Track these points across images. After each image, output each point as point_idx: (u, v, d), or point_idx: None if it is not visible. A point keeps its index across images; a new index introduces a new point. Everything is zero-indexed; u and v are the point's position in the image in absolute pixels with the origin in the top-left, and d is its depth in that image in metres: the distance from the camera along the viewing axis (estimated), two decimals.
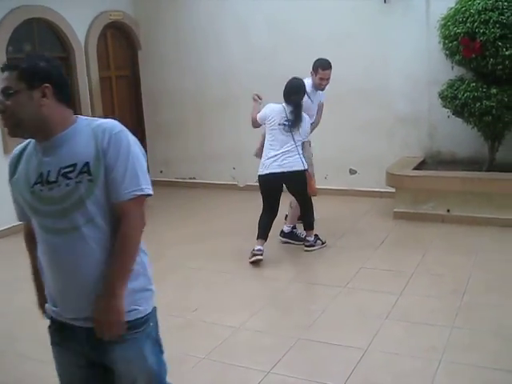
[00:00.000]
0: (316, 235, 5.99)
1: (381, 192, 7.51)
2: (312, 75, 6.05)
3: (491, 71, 6.40)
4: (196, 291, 5.09)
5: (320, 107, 6.36)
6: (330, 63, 6.02)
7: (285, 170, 5.58)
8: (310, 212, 5.90)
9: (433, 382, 3.44)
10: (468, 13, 6.38)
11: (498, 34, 6.19)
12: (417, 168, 7.13)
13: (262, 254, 5.58)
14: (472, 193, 6.36)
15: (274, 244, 6.04)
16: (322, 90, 6.16)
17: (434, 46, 6.98)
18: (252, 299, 4.85)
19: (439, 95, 6.81)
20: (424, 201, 6.65)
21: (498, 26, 6.20)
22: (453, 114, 6.80)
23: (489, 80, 6.49)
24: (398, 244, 6.08)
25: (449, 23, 6.59)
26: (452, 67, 6.87)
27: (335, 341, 4.02)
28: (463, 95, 6.47)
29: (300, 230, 6.14)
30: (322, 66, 5.97)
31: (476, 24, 6.28)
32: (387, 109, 7.65)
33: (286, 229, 6.20)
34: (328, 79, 6.04)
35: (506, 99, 6.24)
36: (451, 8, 6.67)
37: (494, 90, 6.33)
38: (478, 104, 6.37)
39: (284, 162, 5.58)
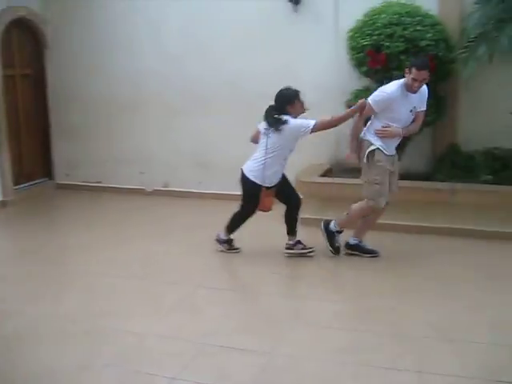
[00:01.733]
0: (229, 240, 5.94)
1: None
2: (406, 74, 5.27)
3: None
4: (100, 297, 4.97)
5: (419, 116, 5.49)
6: (427, 63, 5.28)
7: (242, 168, 5.67)
8: (238, 221, 5.87)
9: None
10: (374, 26, 6.65)
11: (401, 48, 6.49)
12: (323, 175, 7.29)
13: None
14: None
15: (197, 250, 6.02)
16: (414, 92, 5.28)
17: (342, 56, 7.18)
18: (158, 305, 4.79)
19: (346, 104, 7.00)
20: (329, 207, 6.79)
21: (401, 40, 6.52)
22: None
23: None
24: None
25: (356, 35, 6.83)
26: (359, 78, 7.10)
27: (241, 345, 4.03)
28: None
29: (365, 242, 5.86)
30: (416, 65, 5.16)
31: (382, 37, 6.56)
32: None
33: (352, 241, 5.84)
34: (422, 81, 5.22)
35: None
36: (359, 20, 6.91)
37: None
38: None
39: (247, 162, 5.67)
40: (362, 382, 3.57)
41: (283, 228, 5.78)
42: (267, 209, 5.66)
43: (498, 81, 7.09)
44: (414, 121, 5.48)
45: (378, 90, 5.44)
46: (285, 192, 5.74)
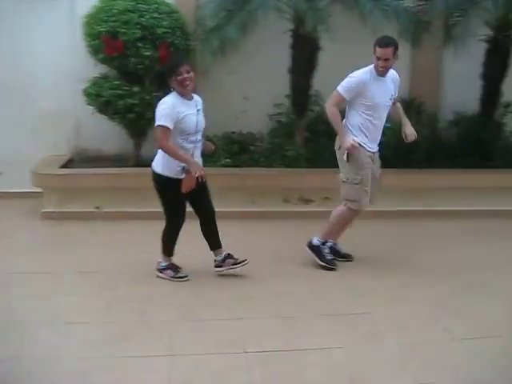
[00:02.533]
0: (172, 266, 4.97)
1: (29, 193, 7.11)
2: (373, 57, 4.84)
3: (133, 70, 6.62)
4: None
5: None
6: (389, 40, 4.81)
7: None
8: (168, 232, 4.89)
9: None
10: (110, 12, 6.49)
11: (138, 35, 6.44)
12: (64, 166, 6.96)
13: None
14: (120, 188, 6.47)
15: None
16: (383, 74, 4.84)
17: (79, 43, 6.90)
18: None
19: (84, 92, 6.77)
20: (73, 199, 6.53)
21: (138, 27, 6.46)
22: (98, 112, 6.83)
23: (132, 78, 6.69)
24: (47, 245, 5.85)
25: (92, 21, 6.61)
26: (96, 65, 6.90)
27: None
28: (107, 93, 6.56)
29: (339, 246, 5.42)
30: (378, 43, 4.77)
31: (118, 24, 6.43)
32: (31, 105, 7.31)
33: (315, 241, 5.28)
34: (387, 60, 4.75)
35: (148, 97, 6.50)
36: (95, 6, 6.70)
37: (136, 89, 6.57)
38: (121, 102, 6.53)
39: None
40: (116, 374, 3.48)
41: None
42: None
43: (231, 68, 7.45)
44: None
45: (346, 78, 4.90)
46: (202, 200, 4.87)
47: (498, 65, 7.22)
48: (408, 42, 6.74)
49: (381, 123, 5.00)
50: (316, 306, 4.45)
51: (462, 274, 5.13)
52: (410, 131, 5.10)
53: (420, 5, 7.05)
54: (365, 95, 4.82)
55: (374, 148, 5.06)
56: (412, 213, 6.75)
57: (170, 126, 4.39)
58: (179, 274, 4.90)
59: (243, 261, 4.91)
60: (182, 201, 4.73)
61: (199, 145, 4.73)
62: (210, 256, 4.96)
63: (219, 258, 4.94)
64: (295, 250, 5.44)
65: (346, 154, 4.87)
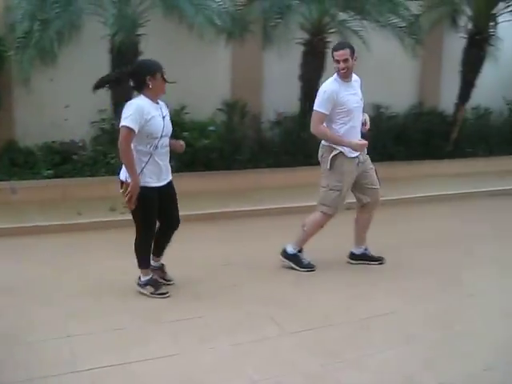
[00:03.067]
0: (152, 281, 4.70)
1: None
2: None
3: None
4: None
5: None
6: (344, 43, 5.20)
7: None
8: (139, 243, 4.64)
9: None
10: None
11: None
12: None
13: None
14: None
15: None
16: (346, 78, 4.99)
17: None
18: None
19: None
20: None
21: None
22: None
23: None
24: None
25: None
26: None
27: None
28: None
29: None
30: (334, 48, 5.01)
31: None
32: None
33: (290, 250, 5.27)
34: (346, 61, 4.91)
35: None
36: None
37: None
38: None
39: None
40: None
41: None
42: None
43: (51, 75, 7.09)
44: None
45: (318, 96, 5.01)
46: (167, 208, 4.65)
47: (314, 66, 7.56)
48: (229, 43, 6.85)
49: (358, 125, 5.14)
50: (149, 314, 4.34)
51: (289, 271, 5.30)
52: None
53: (240, 8, 7.19)
54: (339, 103, 4.96)
55: (356, 152, 5.06)
56: (242, 213, 6.83)
57: (135, 128, 4.20)
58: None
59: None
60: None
61: (167, 151, 4.54)
62: None
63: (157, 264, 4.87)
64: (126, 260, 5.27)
65: (329, 163, 5.03)
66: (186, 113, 6.96)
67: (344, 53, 4.92)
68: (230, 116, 7.47)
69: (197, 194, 6.55)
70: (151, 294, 4.63)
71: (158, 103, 4.46)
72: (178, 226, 4.75)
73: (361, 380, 3.53)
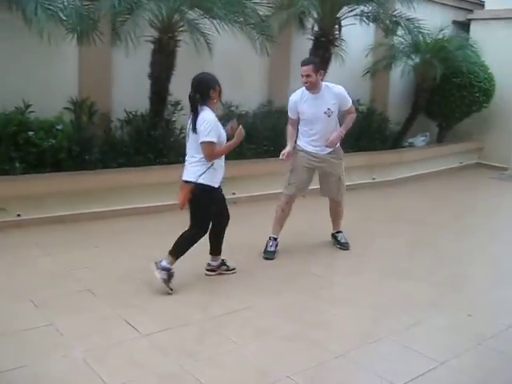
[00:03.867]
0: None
1: None
2: None
3: None
4: None
5: (348, 115, 5.96)
6: (309, 59, 5.96)
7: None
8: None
9: None
10: None
11: None
12: None
13: None
14: None
15: None
16: (310, 90, 5.71)
17: None
18: None
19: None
20: None
21: None
22: None
23: None
24: None
25: None
26: None
27: None
28: None
29: None
30: (301, 63, 5.70)
31: None
32: None
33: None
34: (308, 76, 5.60)
35: None
36: None
37: None
38: None
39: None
40: None
41: None
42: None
43: None
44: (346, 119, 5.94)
45: None
46: (223, 207, 5.18)
47: (164, 65, 7.48)
48: (76, 40, 6.60)
49: (320, 133, 5.80)
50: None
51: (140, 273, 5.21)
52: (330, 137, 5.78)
53: (87, 4, 6.93)
54: (300, 111, 5.81)
55: (318, 150, 5.86)
56: (93, 215, 6.64)
57: (216, 140, 4.71)
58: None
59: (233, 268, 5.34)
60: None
61: None
62: None
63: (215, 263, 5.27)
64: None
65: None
66: (31, 111, 6.61)
67: (307, 69, 5.59)
68: (78, 115, 7.20)
69: (44, 196, 6.25)
70: (164, 280, 4.74)
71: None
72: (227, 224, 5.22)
73: (218, 377, 3.58)
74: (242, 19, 7.42)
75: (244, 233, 6.33)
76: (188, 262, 4.99)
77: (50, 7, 6.18)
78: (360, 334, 4.24)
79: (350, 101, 5.89)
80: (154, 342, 3.94)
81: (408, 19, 9.39)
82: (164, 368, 3.63)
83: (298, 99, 5.80)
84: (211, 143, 4.66)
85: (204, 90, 4.72)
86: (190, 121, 4.81)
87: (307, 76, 5.59)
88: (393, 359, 4.00)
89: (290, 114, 5.93)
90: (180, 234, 4.89)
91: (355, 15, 9.08)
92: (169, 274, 4.74)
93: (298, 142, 5.94)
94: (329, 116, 5.75)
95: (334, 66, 9.00)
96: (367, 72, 10.44)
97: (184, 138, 7.72)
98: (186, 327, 4.20)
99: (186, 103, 7.73)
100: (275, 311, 4.56)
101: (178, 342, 3.96)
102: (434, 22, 10.57)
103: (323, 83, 5.78)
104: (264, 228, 6.02)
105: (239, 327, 4.25)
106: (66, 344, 3.86)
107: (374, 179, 9.62)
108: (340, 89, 5.84)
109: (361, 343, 4.10)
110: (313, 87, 5.67)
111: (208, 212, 4.92)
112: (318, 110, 5.74)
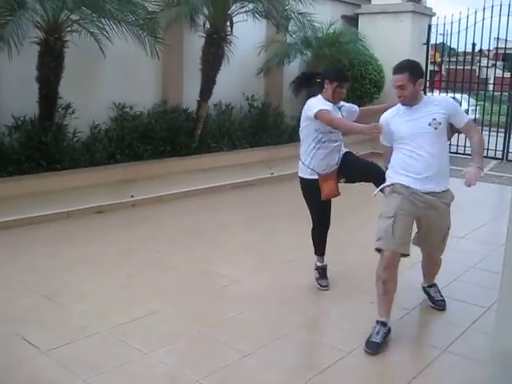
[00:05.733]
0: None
1: None
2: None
3: None
4: None
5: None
6: (401, 65, 4.22)
7: None
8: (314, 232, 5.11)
9: None
10: None
11: None
12: None
13: None
14: None
15: None
16: (404, 104, 4.27)
17: None
18: None
19: None
20: None
21: None
22: None
23: None
24: None
25: None
26: None
27: None
28: None
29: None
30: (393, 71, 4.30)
31: None
32: None
33: None
34: (400, 88, 4.18)
35: None
36: None
37: None
38: None
39: None
40: None
41: None
42: (331, 194, 4.86)
43: None
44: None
45: None
46: (358, 169, 4.94)
47: (52, 67, 7.20)
48: None
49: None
50: None
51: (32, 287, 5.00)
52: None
53: None
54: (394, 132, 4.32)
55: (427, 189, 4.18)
56: None
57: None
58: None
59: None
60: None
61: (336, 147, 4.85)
62: None
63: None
64: None
65: None
66: None
67: (398, 78, 4.11)
68: None
69: None
70: (316, 279, 5.08)
71: (333, 103, 4.78)
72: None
73: None
74: (131, 19, 7.26)
75: (144, 235, 6.23)
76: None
77: None
78: (267, 331, 4.26)
79: (467, 116, 4.33)
80: (56, 358, 3.77)
81: (300, 13, 9.53)
82: None
83: (390, 118, 4.29)
84: (323, 110, 4.61)
85: (321, 78, 4.86)
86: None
87: (401, 87, 4.11)
88: (301, 353, 4.04)
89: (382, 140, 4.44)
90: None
91: (246, 11, 9.11)
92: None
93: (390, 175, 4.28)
94: (435, 128, 4.08)
95: (226, 64, 8.99)
96: (261, 71, 10.54)
97: (77, 142, 7.57)
98: (87, 339, 4.05)
99: (76, 106, 7.61)
100: (180, 315, 4.49)
101: (81, 356, 3.82)
102: (324, 16, 10.84)
103: (424, 95, 4.34)
104: (164, 228, 5.93)
105: (143, 334, 4.15)
106: None
107: (272, 174, 9.72)
108: (446, 98, 4.75)
109: (268, 340, 4.11)
110: (410, 101, 4.16)
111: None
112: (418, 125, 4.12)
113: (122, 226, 6.81)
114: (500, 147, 12.06)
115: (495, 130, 12.07)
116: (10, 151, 6.94)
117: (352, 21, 12.84)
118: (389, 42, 11.89)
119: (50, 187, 6.80)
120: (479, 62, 21.63)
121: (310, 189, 4.85)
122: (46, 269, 5.32)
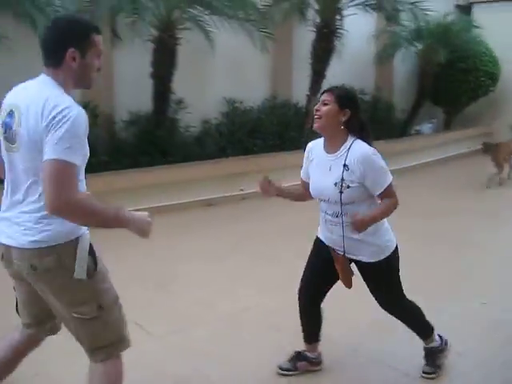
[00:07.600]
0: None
1: None
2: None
3: None
4: None
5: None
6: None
7: None
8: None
9: None
10: None
11: None
12: None
13: None
14: None
15: None
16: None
17: None
18: None
19: None
20: None
21: None
22: None
23: None
24: None
25: None
26: None
27: None
28: None
29: None
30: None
31: None
32: None
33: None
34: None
35: None
36: None
37: None
38: None
39: None
40: None
41: None
42: (341, 280, 3.35)
43: None
44: None
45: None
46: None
47: (165, 64, 7.43)
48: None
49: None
50: None
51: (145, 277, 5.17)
52: None
53: (86, 5, 6.90)
54: None
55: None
56: None
57: None
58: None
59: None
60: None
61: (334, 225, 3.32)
62: None
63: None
64: None
65: None
66: None
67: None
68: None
69: None
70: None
71: None
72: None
73: (232, 377, 3.52)
74: (242, 15, 7.37)
75: (253, 229, 6.26)
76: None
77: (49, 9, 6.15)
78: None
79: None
80: (166, 344, 3.86)
81: (412, 3, 9.29)
82: (177, 370, 3.56)
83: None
84: None
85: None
86: None
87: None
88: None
89: None
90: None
91: (357, 4, 8.98)
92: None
93: None
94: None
95: (335, 58, 8.91)
96: (373, 63, 10.37)
97: (188, 136, 7.77)
98: (197, 327, 4.12)
99: (188, 102, 7.81)
100: (280, 306, 4.47)
101: (190, 343, 3.88)
102: (437, 6, 10.47)
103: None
104: (273, 222, 5.88)
105: (248, 324, 4.18)
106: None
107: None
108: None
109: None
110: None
111: None
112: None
113: (231, 219, 6.92)
114: None
115: None
116: (126, 145, 7.22)
117: (465, 10, 12.34)
118: (505, 31, 11.30)
119: (163, 180, 7.00)
120: None
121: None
122: (160, 258, 5.49)
